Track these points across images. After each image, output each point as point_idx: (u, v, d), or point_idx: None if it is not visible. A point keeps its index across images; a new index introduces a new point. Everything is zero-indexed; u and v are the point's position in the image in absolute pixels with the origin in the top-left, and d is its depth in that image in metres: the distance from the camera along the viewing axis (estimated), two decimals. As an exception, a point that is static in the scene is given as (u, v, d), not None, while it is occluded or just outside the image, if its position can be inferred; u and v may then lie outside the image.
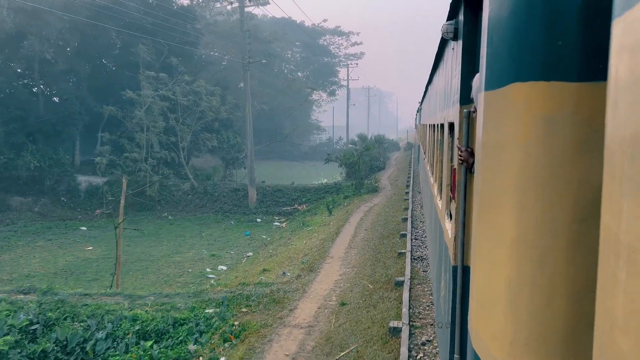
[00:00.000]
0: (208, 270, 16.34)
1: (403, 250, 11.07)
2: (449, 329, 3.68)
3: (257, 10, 51.83)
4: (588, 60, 1.32)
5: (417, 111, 28.22)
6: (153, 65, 29.27)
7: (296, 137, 72.81)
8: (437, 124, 6.56)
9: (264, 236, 21.55)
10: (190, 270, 16.37)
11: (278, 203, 26.50)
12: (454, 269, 3.49)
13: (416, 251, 11.19)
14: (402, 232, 13.10)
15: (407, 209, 16.87)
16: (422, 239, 12.32)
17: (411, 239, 12.23)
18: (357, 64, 71.13)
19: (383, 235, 13.73)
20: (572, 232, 1.34)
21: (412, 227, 13.74)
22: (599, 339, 0.91)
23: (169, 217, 25.63)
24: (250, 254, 18.13)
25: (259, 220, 24.96)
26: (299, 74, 66.77)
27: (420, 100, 19.60)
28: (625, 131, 0.83)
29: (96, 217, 25.69)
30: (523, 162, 1.42)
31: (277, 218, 25.29)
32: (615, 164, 0.87)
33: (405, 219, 14.92)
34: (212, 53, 38.54)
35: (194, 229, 23.35)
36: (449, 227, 4.10)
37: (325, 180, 33.18)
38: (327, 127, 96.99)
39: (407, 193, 20.85)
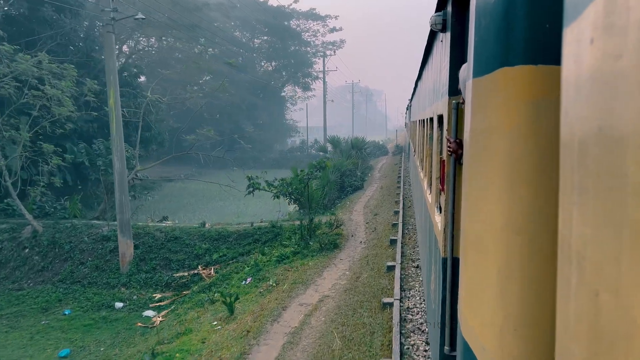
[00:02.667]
0: None
1: None
2: (439, 320, 3.73)
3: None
4: None
5: (407, 108, 24.62)
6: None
7: (271, 140, 61.66)
8: (427, 118, 6.54)
9: (91, 363, 10.29)
10: None
11: (170, 263, 15.18)
12: (444, 260, 3.52)
13: None
14: None
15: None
16: None
17: None
18: (334, 51, 59.96)
19: None
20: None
21: None
22: (558, 344, 0.93)
23: (-33, 295, 14.26)
24: None
25: (119, 304, 13.59)
26: (264, 63, 55.48)
27: (410, 98, 18.05)
28: (573, 138, 0.85)
29: None
30: (510, 148, 1.40)
31: (158, 296, 14.01)
32: (566, 170, 0.90)
33: None
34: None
35: (-20, 331, 12.02)
36: (438, 219, 4.14)
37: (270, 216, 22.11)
38: (310, 127, 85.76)
39: (391, 268, 9.83)
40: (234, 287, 12.23)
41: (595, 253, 0.76)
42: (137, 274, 14.98)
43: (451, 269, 3.36)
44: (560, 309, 0.91)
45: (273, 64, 55.74)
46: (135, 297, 13.95)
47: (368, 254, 11.92)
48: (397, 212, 15.50)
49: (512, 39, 1.40)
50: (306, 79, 57.46)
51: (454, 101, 3.27)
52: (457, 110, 3.20)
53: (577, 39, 0.82)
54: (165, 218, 18.86)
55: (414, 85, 13.00)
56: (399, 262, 10.01)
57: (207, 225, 16.61)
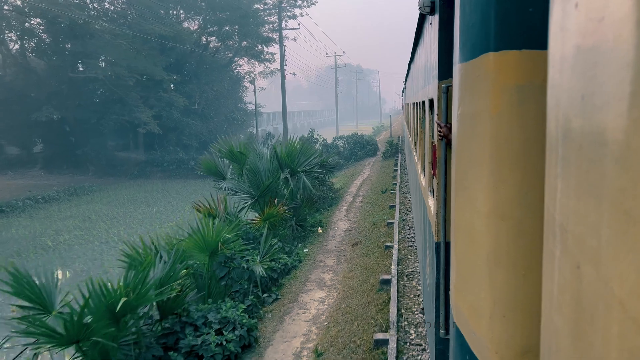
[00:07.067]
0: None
1: None
2: (434, 305, 3.69)
3: None
4: None
5: (402, 91, 22.73)
6: None
7: (219, 132, 44.52)
8: (419, 102, 6.45)
9: None
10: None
11: None
12: (437, 245, 3.53)
13: None
14: None
15: None
16: None
17: None
18: (300, 6, 42.61)
19: None
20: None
21: None
22: (543, 316, 0.95)
23: None
24: None
25: None
26: (184, 17, 37.68)
27: (404, 80, 18.18)
28: (558, 110, 0.86)
29: None
30: (496, 133, 1.40)
31: None
32: (551, 143, 0.90)
33: None
34: None
35: None
36: (431, 204, 4.12)
37: None
38: (275, 112, 68.26)
39: None
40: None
41: (577, 225, 0.76)
42: None
43: (444, 253, 3.31)
44: (545, 281, 0.93)
45: (197, 19, 37.84)
46: None
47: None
48: None
49: (495, 24, 1.37)
50: (257, 46, 40.00)
51: (443, 85, 3.23)
52: (447, 94, 3.20)
53: (563, 6, 0.83)
54: None
55: (407, 68, 12.57)
56: None
57: None
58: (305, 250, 10.80)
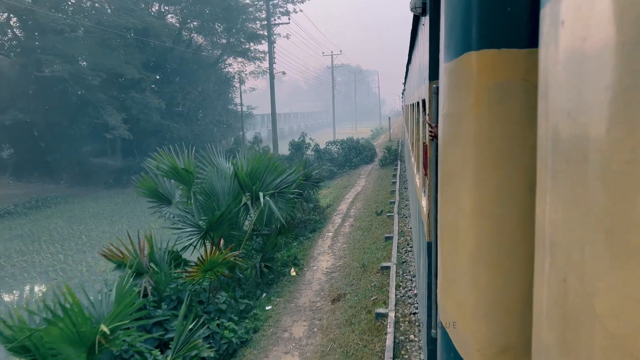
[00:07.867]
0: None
1: None
2: (426, 305, 3.70)
3: None
4: (538, 25, 1.22)
5: (402, 92, 22.52)
6: None
7: (206, 136, 41.63)
8: (415, 103, 6.49)
9: None
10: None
11: None
12: (429, 245, 3.53)
13: None
14: None
15: None
16: None
17: None
18: (294, 5, 39.69)
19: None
20: (527, 201, 1.27)
21: None
22: (534, 329, 0.94)
23: None
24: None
25: None
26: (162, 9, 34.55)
27: (404, 81, 17.55)
28: (547, 122, 0.87)
29: None
30: (478, 131, 1.40)
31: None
32: (541, 154, 0.90)
33: None
34: None
35: None
36: (424, 204, 4.12)
37: None
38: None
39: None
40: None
41: (564, 238, 0.77)
42: None
43: (435, 253, 3.27)
44: (536, 293, 0.92)
45: (174, 12, 34.65)
46: None
47: None
48: None
49: (475, 24, 1.38)
50: (245, 43, 37.02)
51: (434, 85, 3.19)
52: (438, 95, 3.16)
53: (552, 21, 0.84)
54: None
55: (405, 69, 12.66)
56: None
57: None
58: (267, 308, 7.82)
